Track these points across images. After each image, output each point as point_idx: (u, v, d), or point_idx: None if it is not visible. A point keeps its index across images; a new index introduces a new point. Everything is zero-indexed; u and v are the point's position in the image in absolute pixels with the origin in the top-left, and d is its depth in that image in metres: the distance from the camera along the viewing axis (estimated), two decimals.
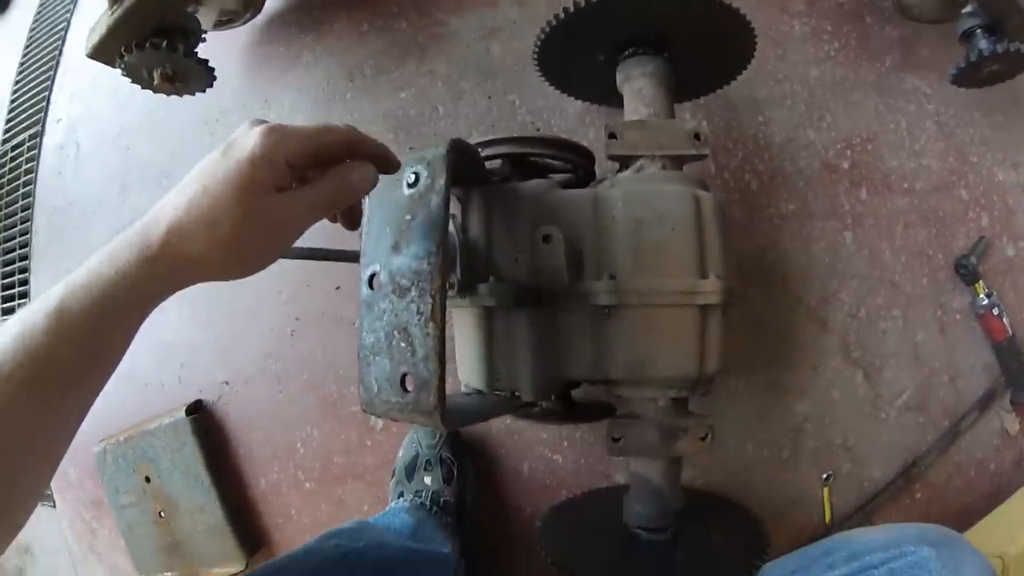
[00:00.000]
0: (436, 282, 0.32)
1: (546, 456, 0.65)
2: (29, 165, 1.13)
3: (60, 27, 1.24)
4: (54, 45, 1.22)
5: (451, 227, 0.39)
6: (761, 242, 0.68)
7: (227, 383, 0.78)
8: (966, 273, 0.72)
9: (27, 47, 1.30)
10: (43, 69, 1.22)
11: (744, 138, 0.71)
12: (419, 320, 0.33)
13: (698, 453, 0.44)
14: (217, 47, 0.77)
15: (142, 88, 0.69)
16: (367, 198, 0.39)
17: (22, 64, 1.28)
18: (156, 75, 0.65)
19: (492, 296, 0.39)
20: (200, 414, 0.78)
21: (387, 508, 0.60)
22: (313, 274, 0.73)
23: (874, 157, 0.74)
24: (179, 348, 0.83)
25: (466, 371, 0.44)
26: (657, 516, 0.46)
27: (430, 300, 0.32)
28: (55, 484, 1.00)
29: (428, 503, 0.58)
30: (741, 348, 0.67)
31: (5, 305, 1.10)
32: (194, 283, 0.29)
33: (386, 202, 0.37)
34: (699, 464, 0.65)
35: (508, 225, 0.41)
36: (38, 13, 1.33)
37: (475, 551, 0.61)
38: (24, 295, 1.07)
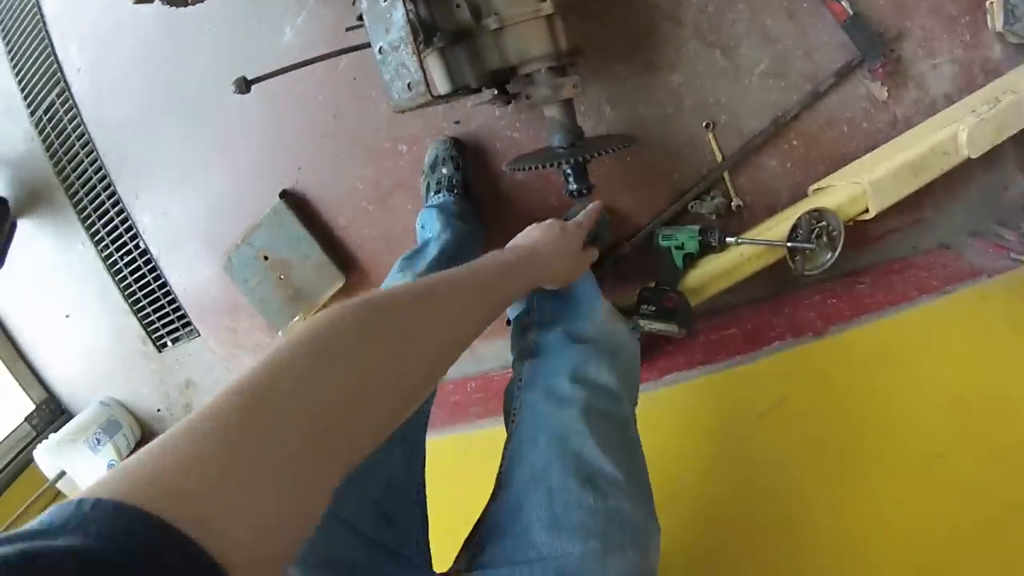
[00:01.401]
0: (409, 37, 0.93)
1: (508, 135, 1.33)
2: (70, 115, 1.74)
3: (31, 2, 1.76)
4: (34, 20, 1.76)
5: (410, 15, 0.98)
6: None
7: (300, 168, 1.50)
8: None
9: (5, 34, 1.84)
10: (35, 42, 1.77)
11: None
12: (409, 56, 0.94)
13: (575, 95, 1.05)
14: None
15: (177, 8, 1.27)
16: (365, 13, 0.99)
17: (10, 49, 1.83)
18: None
19: (441, 41, 1.00)
20: (289, 196, 1.51)
21: (439, 199, 1.27)
22: (334, 78, 1.37)
23: None
24: (256, 165, 1.53)
25: (441, 85, 1.06)
26: (566, 138, 1.09)
27: (411, 45, 0.93)
28: (195, 317, 1.77)
29: (452, 187, 1.26)
30: (618, 45, 1.25)
31: (104, 219, 1.79)
32: (543, 284, 0.85)
33: (374, 13, 0.97)
34: (606, 121, 1.29)
35: (439, 4, 1.01)
36: None
37: (480, 208, 1.33)
38: (116, 203, 1.74)
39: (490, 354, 1.50)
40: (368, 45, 1.01)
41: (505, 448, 0.77)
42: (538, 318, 1.00)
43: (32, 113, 1.82)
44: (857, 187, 1.17)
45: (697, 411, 1.22)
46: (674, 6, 1.24)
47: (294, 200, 1.52)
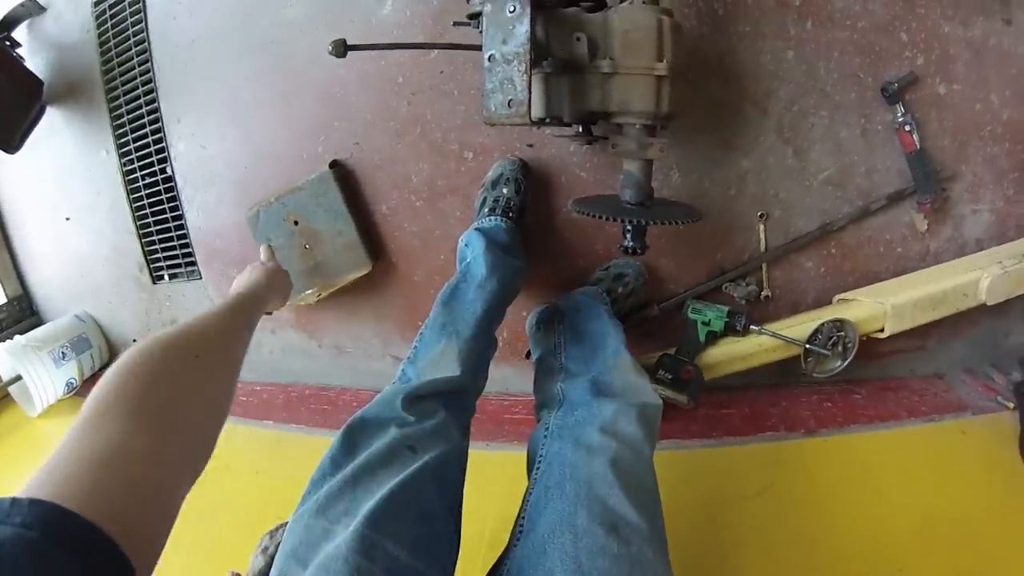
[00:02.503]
0: (526, 56, 0.93)
1: (576, 173, 1.33)
2: (135, 17, 1.69)
3: None
4: None
5: (533, 27, 0.98)
6: (722, 51, 1.25)
7: (357, 143, 1.47)
8: (889, 95, 1.26)
9: None
10: None
11: None
12: (519, 74, 0.94)
13: (659, 158, 1.06)
14: None
15: None
16: (485, 16, 0.99)
17: None
18: None
19: (550, 67, 1.00)
20: (338, 168, 1.48)
21: (491, 223, 1.26)
22: (421, 64, 1.36)
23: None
24: (314, 128, 1.50)
25: (537, 109, 1.06)
26: (637, 196, 1.09)
27: (525, 64, 0.93)
28: (201, 258, 1.73)
29: (508, 210, 1.26)
30: (703, 117, 1.28)
31: (137, 132, 1.74)
32: (264, 312, 0.99)
33: (495, 19, 0.97)
34: (672, 186, 1.31)
35: (558, 31, 1.01)
36: None
37: (528, 235, 1.33)
38: (156, 121, 1.70)
39: (497, 377, 1.46)
40: (478, 47, 1.00)
41: (527, 495, 0.79)
42: (565, 362, 1.03)
43: (96, 4, 1.76)
44: (880, 307, 1.25)
45: (686, 481, 1.25)
46: (764, 96, 1.28)
47: (342, 173, 1.48)
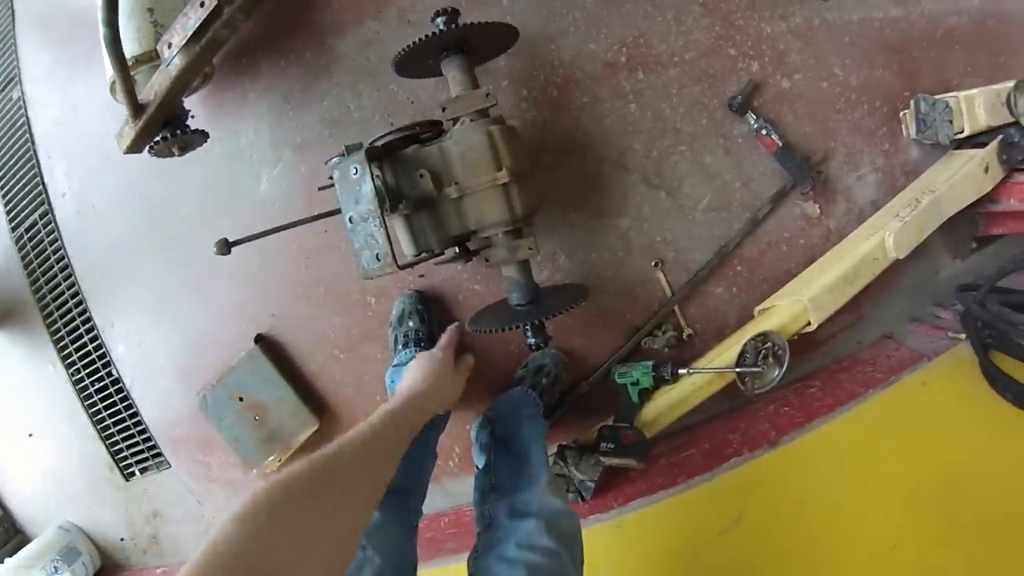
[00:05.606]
0: (378, 211, 1.02)
1: (470, 288, 1.42)
2: (51, 236, 1.81)
3: (20, 123, 1.86)
4: (22, 140, 1.86)
5: (379, 189, 1.07)
6: (567, 128, 1.35)
7: (274, 315, 1.57)
8: (736, 108, 1.35)
9: None
10: (22, 161, 1.86)
11: (543, 65, 1.35)
12: (377, 228, 1.03)
13: (532, 257, 1.14)
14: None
15: (165, 159, 1.36)
16: (336, 182, 1.08)
17: None
18: (175, 150, 1.32)
19: (406, 208, 1.10)
20: (263, 341, 1.58)
21: (407, 356, 1.33)
22: (307, 229, 1.40)
23: (646, 47, 1.34)
24: (232, 308, 1.61)
25: (406, 248, 1.14)
26: (522, 296, 1.17)
27: (379, 219, 1.02)
28: (166, 448, 1.78)
29: (419, 341, 1.33)
30: (570, 195, 1.37)
31: (77, 343, 1.83)
32: (435, 412, 0.99)
33: (345, 183, 1.07)
34: (562, 269, 1.39)
35: (405, 172, 1.11)
36: None
37: None
38: (91, 329, 1.79)
39: (462, 491, 1.52)
40: (340, 211, 1.09)
41: None
42: (495, 481, 1.15)
43: (13, 230, 1.88)
44: (798, 304, 1.29)
45: (662, 534, 1.28)
46: (620, 155, 1.37)
47: (268, 344, 1.58)
